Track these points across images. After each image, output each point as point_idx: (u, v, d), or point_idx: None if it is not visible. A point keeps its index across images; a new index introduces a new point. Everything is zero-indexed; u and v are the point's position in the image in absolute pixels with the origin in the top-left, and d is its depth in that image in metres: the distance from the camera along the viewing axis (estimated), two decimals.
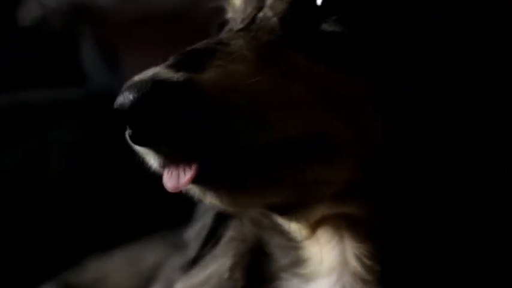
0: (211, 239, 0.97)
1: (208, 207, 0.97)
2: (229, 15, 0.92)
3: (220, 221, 0.96)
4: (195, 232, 0.99)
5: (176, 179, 0.74)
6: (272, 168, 0.76)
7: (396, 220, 0.83)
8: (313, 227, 0.88)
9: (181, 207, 0.94)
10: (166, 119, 0.71)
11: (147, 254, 1.52)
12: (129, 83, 0.72)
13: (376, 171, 0.81)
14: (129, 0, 2.35)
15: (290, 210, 0.84)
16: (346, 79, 0.80)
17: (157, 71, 0.72)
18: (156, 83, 0.71)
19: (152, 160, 0.76)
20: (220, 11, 0.95)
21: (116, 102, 0.71)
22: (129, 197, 1.76)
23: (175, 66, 0.73)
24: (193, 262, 0.97)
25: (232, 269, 0.93)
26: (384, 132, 0.81)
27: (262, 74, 0.76)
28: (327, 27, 0.82)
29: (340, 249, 0.86)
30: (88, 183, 1.78)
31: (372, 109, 0.81)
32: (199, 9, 2.27)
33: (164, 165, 0.75)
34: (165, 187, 0.75)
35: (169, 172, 0.75)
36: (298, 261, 0.90)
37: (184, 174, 0.74)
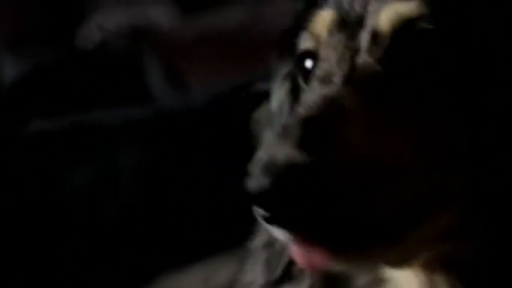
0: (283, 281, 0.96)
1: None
2: (309, 44, 0.88)
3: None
4: (262, 259, 0.98)
5: (307, 256, 0.75)
6: (390, 236, 0.76)
7: (488, 257, 0.82)
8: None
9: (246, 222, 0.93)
10: (302, 202, 0.71)
11: (220, 271, 1.51)
12: (260, 164, 0.72)
13: (473, 213, 0.80)
14: (188, 22, 2.38)
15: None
16: (441, 119, 0.79)
17: (288, 153, 0.72)
18: (291, 168, 0.71)
19: (280, 234, 0.76)
20: (288, 32, 0.93)
21: (250, 184, 0.72)
22: (198, 215, 1.77)
23: (300, 147, 0.72)
24: (278, 282, 0.97)
25: None
26: (484, 174, 0.79)
27: (377, 138, 0.75)
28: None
29: (426, 276, 0.85)
30: (156, 202, 1.79)
31: (475, 152, 0.79)
32: (258, 28, 2.29)
33: (294, 240, 0.76)
34: (296, 260, 0.77)
35: (299, 247, 0.76)
36: (376, 282, 0.89)
37: (317, 252, 0.75)
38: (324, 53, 0.84)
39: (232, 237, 1.53)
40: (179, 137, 1.82)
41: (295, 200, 0.71)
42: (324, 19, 0.85)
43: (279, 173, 0.71)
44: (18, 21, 2.26)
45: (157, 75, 2.18)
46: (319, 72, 0.82)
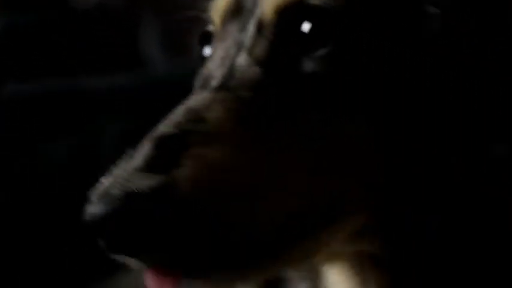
0: None
1: None
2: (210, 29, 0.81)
3: None
4: None
5: (159, 284, 0.70)
6: (275, 251, 0.71)
7: (406, 257, 0.78)
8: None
9: None
10: (143, 230, 0.67)
11: None
12: (98, 191, 0.67)
13: (385, 213, 0.75)
14: None
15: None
16: (346, 129, 0.72)
17: (128, 177, 0.67)
18: (128, 195, 0.66)
19: (132, 262, 0.70)
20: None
21: (86, 212, 0.67)
22: None
23: (147, 167, 0.67)
24: None
25: None
26: (391, 175, 0.74)
27: (247, 153, 0.69)
28: (310, 65, 0.72)
29: (361, 280, 0.81)
30: None
31: (376, 152, 0.73)
32: None
33: (144, 268, 0.70)
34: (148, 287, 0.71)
35: (151, 276, 0.70)
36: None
37: (167, 279, 0.70)
38: (214, 46, 0.78)
39: None
40: (170, 107, 1.71)
41: (132, 226, 0.66)
42: (218, 4, 0.79)
43: (115, 202, 0.66)
44: None
45: (153, 40, 2.09)
46: (203, 73, 0.77)
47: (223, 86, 0.73)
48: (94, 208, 0.66)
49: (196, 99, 0.73)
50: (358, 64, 0.72)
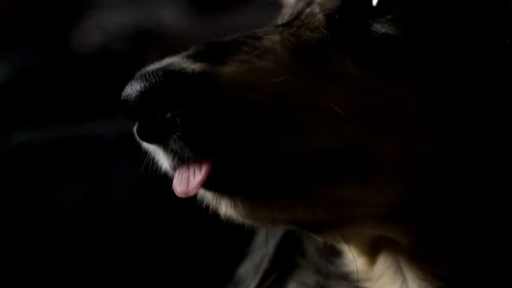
0: (273, 272, 0.90)
1: (264, 242, 0.90)
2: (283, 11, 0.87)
3: (282, 252, 0.90)
4: (253, 264, 0.93)
5: (186, 182, 0.68)
6: (301, 181, 0.70)
7: (462, 250, 0.77)
8: (370, 258, 0.83)
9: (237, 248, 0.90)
10: (176, 112, 0.66)
11: None
12: (140, 72, 0.68)
13: (427, 193, 0.74)
14: (201, 23, 2.23)
15: (323, 229, 0.77)
16: (399, 90, 0.73)
17: (173, 60, 0.67)
18: (167, 73, 0.66)
19: (162, 160, 0.70)
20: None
21: (123, 92, 0.67)
22: (194, 239, 1.63)
23: (194, 57, 0.67)
24: None
25: None
26: (440, 150, 0.73)
27: (294, 74, 0.70)
28: (380, 28, 0.74)
29: (368, 257, 0.82)
30: (149, 225, 1.65)
31: (428, 124, 0.73)
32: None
33: (175, 167, 0.69)
34: (175, 192, 0.69)
35: (180, 174, 0.69)
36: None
37: (194, 177, 0.68)
38: (285, 11, 0.83)
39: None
40: None
41: (169, 102, 0.65)
42: None
43: (154, 78, 0.65)
44: (6, 20, 2.11)
45: None
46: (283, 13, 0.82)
47: (287, 24, 0.76)
48: (131, 86, 0.65)
49: (260, 29, 0.75)
50: (419, 31, 0.73)
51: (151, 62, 2.09)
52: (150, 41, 2.20)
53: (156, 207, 1.64)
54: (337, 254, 0.87)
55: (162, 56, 2.11)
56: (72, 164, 1.70)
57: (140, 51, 2.14)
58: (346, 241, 0.80)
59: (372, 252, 0.82)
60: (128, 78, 2.13)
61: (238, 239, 0.86)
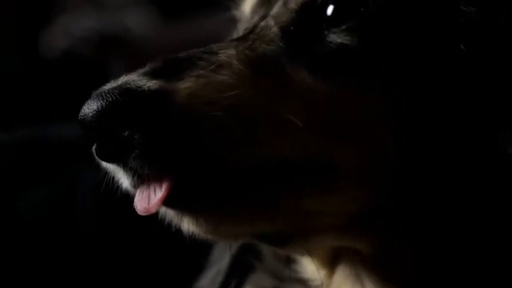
0: (227, 285, 0.91)
1: (221, 255, 0.91)
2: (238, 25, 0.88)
3: (237, 266, 0.91)
4: (209, 278, 0.93)
5: (147, 200, 0.68)
6: (262, 190, 0.70)
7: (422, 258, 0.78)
8: (330, 268, 0.82)
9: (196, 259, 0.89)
10: (133, 131, 0.66)
11: None
12: (96, 91, 0.67)
13: (389, 200, 0.75)
14: (168, 29, 2.24)
15: (286, 242, 0.77)
16: (356, 98, 0.74)
17: (129, 78, 0.67)
18: (124, 91, 0.65)
19: (122, 179, 0.70)
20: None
21: (80, 112, 0.67)
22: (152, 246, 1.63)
23: (150, 74, 0.68)
24: None
25: None
26: (402, 156, 0.74)
27: (250, 87, 0.71)
28: (335, 38, 0.75)
29: (328, 270, 0.82)
30: (117, 229, 1.64)
31: (389, 131, 0.74)
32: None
33: (135, 185, 0.69)
34: (136, 210, 0.69)
35: (141, 192, 0.69)
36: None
37: (155, 194, 0.68)
38: (240, 25, 0.85)
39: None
40: None
41: (125, 127, 0.65)
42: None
43: (110, 97, 0.65)
44: None
45: None
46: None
47: (242, 38, 0.76)
48: (88, 105, 0.65)
49: (216, 44, 0.76)
50: (375, 40, 0.74)
51: (116, 66, 2.09)
52: (116, 46, 2.20)
53: (123, 211, 1.67)
54: (293, 260, 0.88)
55: (127, 61, 2.11)
56: (39, 166, 1.69)
57: (105, 56, 2.14)
58: (309, 253, 0.81)
59: (331, 262, 0.82)
60: (93, 83, 2.13)
61: (197, 251, 0.86)
